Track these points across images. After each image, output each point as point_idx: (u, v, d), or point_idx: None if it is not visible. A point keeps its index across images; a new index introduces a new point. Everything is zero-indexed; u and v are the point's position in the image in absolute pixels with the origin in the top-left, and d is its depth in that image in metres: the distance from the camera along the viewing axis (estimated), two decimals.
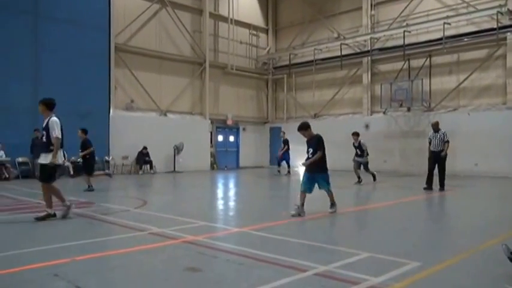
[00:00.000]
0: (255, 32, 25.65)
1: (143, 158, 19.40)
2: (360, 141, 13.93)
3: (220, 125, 24.14)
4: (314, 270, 4.09)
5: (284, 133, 19.27)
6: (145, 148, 19.33)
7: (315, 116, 23.76)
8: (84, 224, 6.94)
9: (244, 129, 25.33)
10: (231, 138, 25.09)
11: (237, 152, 25.22)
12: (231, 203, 10.17)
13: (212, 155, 23.11)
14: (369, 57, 21.41)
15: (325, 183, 7.71)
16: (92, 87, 17.95)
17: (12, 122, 16.08)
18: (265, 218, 7.44)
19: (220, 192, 12.66)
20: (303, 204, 7.42)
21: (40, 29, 16.93)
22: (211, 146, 23.12)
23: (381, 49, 20.99)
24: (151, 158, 19.61)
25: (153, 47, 20.74)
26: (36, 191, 11.70)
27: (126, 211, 8.09)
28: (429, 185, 11.60)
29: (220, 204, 10.01)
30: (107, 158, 18.58)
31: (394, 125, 20.44)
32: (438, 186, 11.54)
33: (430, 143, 11.74)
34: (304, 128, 7.78)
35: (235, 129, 25.08)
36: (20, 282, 3.84)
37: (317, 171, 7.62)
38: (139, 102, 20.05)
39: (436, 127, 11.73)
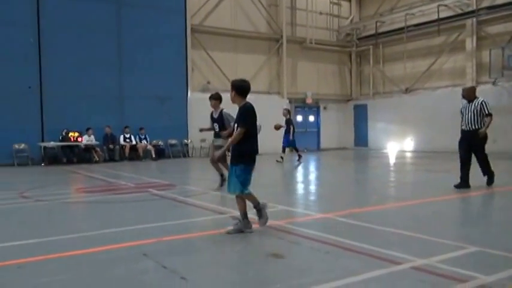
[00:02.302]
0: (336, 1, 24.93)
1: None
2: None
3: (299, 104, 24.01)
4: (411, 263, 3.90)
5: (289, 111, 16.82)
6: None
7: (407, 90, 22.57)
8: (167, 205, 7.33)
9: (325, 108, 24.95)
10: (311, 118, 24.87)
11: (318, 132, 24.97)
12: (312, 187, 10.12)
13: None
14: (474, 19, 19.46)
15: (235, 180, 5.09)
16: (170, 71, 18.75)
17: (99, 108, 17.34)
18: (351, 204, 7.30)
19: (299, 176, 12.64)
20: (245, 215, 5.19)
21: (122, 15, 18.02)
22: None
23: (489, 7, 18.99)
24: None
25: (228, 26, 21.05)
26: (122, 173, 12.59)
27: (205, 193, 8.41)
28: (464, 181, 8.35)
29: (300, 188, 10.01)
30: (185, 141, 19.41)
31: (507, 98, 18.55)
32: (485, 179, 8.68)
33: (462, 119, 8.55)
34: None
35: (315, 108, 24.80)
36: (112, 259, 4.18)
37: (232, 160, 5.18)
38: (215, 83, 20.54)
39: (470, 94, 8.57)
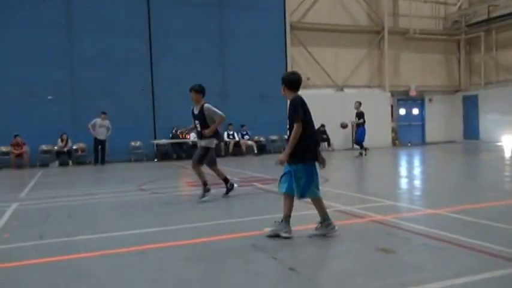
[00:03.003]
0: None
1: (320, 136, 19.79)
2: None
3: (401, 97, 22.97)
4: None
5: (360, 104, 15.85)
6: (322, 126, 19.67)
7: None
8: (272, 199, 7.45)
9: (430, 100, 23.57)
10: (415, 111, 23.66)
11: (422, 126, 23.69)
12: (419, 182, 9.62)
13: (393, 131, 22.21)
14: None
15: (296, 182, 4.57)
16: (270, 68, 19.02)
17: None
18: (464, 200, 6.81)
19: (405, 170, 12.09)
20: (288, 217, 4.68)
21: (224, 17, 18.75)
22: (392, 121, 22.21)
23: None
24: (329, 136, 19.91)
25: (327, 21, 20.80)
26: (226, 168, 13.06)
27: None
28: None
29: (406, 182, 9.57)
30: (285, 136, 19.56)
31: None
32: None
33: None
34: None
35: (419, 101, 23.54)
36: (225, 249, 4.36)
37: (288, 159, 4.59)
38: (315, 79, 20.42)
39: None
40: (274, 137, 19.56)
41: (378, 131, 21.23)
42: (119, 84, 17.07)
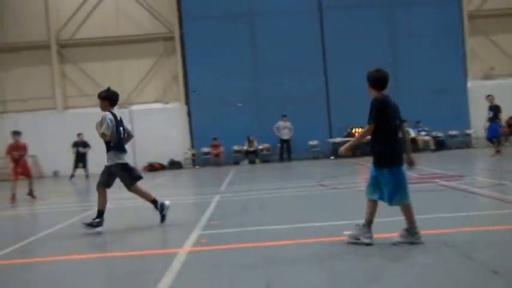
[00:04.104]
0: None
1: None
2: None
3: None
4: None
5: (493, 97, 12.81)
6: (511, 118, 17.14)
7: None
8: (458, 196, 6.78)
9: None
10: None
11: None
12: None
13: None
14: None
15: (385, 188, 4.14)
16: (447, 62, 17.51)
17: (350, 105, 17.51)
18: None
19: None
20: (370, 223, 4.17)
21: (395, 17, 18.02)
22: None
23: None
24: None
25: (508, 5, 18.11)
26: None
27: (501, 185, 7.37)
28: None
29: None
30: (467, 131, 17.75)
31: None
32: None
33: None
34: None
35: None
36: (413, 246, 3.99)
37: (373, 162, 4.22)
38: (500, 68, 17.97)
39: None
40: (453, 132, 17.81)
41: None
42: (296, 89, 17.68)
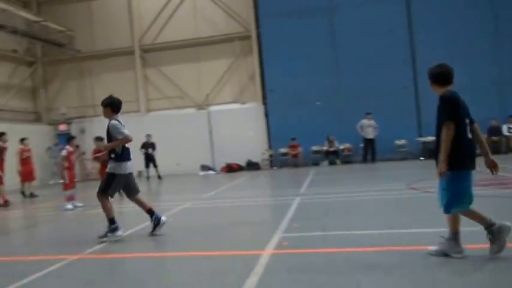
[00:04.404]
0: None
1: None
2: None
3: None
4: None
5: None
6: None
7: None
8: None
9: None
10: None
11: None
12: None
13: None
14: None
15: (443, 193, 3.89)
16: None
17: (478, 99, 16.35)
18: None
19: None
20: (456, 235, 3.87)
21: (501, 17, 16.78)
22: None
23: None
24: None
25: None
26: (508, 166, 11.38)
27: None
28: None
29: None
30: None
31: None
32: None
33: None
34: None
35: None
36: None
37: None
38: None
39: None
40: None
41: None
42: (381, 85, 16.99)
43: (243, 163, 18.56)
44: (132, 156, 5.95)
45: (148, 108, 20.18)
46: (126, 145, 5.78)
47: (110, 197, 5.75)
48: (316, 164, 17.55)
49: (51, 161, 18.58)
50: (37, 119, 20.83)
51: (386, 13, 17.27)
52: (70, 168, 9.71)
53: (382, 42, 17.02)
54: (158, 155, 16.90)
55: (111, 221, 5.62)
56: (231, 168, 18.20)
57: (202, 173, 18.10)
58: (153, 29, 19.88)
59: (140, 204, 5.97)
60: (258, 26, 18.86)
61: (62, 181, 11.03)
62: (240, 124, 18.57)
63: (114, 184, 5.70)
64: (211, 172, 18.05)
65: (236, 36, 19.28)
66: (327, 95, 17.79)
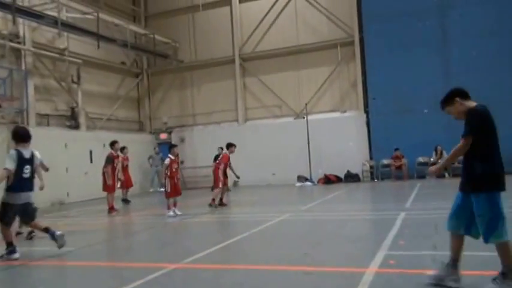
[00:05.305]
0: None
1: None
2: None
3: None
4: None
5: None
6: None
7: None
8: None
9: None
10: None
11: None
12: None
13: None
14: None
15: (479, 219, 3.62)
16: None
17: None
18: None
19: None
20: (455, 261, 3.79)
21: None
22: None
23: None
24: None
25: None
26: None
27: None
28: None
29: None
30: None
31: None
32: None
33: None
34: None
35: None
36: None
37: (466, 186, 3.83)
38: None
39: None
40: None
41: None
42: (497, 89, 15.71)
43: (341, 174, 18.32)
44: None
45: (246, 117, 20.81)
46: (25, 176, 6.11)
47: (6, 225, 6.12)
48: (422, 177, 16.73)
49: (152, 169, 19.86)
50: (140, 128, 22.53)
51: (505, 10, 16.04)
52: (172, 176, 10.26)
53: (499, 42, 15.87)
54: (252, 165, 17.29)
55: (9, 244, 6.12)
56: (328, 180, 18.05)
57: (298, 184, 18.16)
58: (253, 37, 20.48)
59: (36, 227, 6.55)
60: (361, 31, 18.57)
61: (162, 189, 11.85)
62: (340, 133, 18.36)
63: (10, 213, 6.11)
64: (308, 183, 18.04)
65: (338, 42, 19.14)
66: (436, 102, 16.71)
